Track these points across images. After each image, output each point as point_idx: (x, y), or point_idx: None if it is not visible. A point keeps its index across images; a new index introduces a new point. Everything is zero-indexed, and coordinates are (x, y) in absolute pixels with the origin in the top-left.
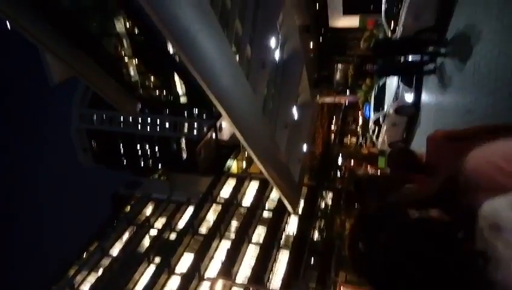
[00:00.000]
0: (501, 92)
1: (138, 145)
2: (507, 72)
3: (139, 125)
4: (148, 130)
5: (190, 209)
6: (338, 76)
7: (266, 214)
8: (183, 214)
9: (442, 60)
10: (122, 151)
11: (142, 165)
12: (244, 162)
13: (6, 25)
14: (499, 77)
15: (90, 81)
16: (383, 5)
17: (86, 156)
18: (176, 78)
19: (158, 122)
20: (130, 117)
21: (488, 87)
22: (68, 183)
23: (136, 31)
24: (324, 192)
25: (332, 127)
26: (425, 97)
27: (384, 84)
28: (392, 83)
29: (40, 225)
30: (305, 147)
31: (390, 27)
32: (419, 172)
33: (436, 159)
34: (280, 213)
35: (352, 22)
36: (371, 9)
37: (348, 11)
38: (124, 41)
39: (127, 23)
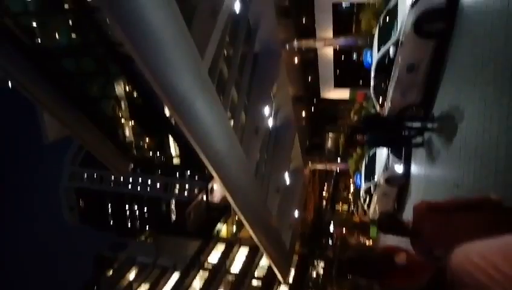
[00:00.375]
0: (487, 169)
1: (127, 206)
2: (491, 149)
3: (130, 185)
4: (139, 190)
5: (176, 275)
6: (329, 144)
7: (255, 282)
8: (168, 280)
9: (430, 135)
10: (109, 211)
11: (129, 226)
12: (234, 226)
13: (8, 84)
14: (484, 153)
15: (84, 140)
16: (371, 82)
17: (72, 215)
18: (171, 140)
19: (149, 183)
20: (121, 177)
21: (475, 163)
22: (51, 241)
23: (135, 94)
24: (316, 261)
25: (324, 193)
26: (414, 169)
27: (374, 154)
28: (382, 153)
29: (20, 285)
30: (296, 213)
31: (379, 102)
32: (406, 235)
33: (420, 226)
34: (270, 282)
35: (342, 94)
36: (360, 84)
37: (338, 84)
38: (122, 103)
39: (127, 87)
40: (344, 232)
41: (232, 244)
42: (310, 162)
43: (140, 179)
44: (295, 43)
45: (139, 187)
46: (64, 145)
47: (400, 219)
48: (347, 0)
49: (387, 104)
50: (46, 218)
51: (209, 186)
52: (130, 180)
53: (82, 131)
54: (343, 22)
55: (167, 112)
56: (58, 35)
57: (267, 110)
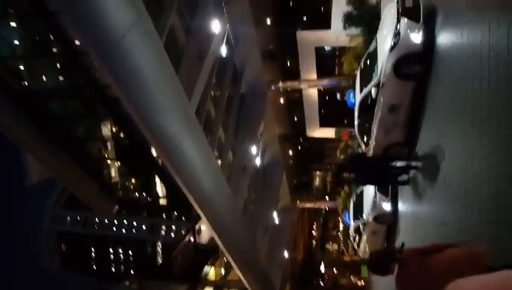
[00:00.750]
0: (472, 206)
1: (111, 249)
2: (475, 188)
3: (114, 227)
4: (124, 232)
5: None
6: (317, 182)
7: None
8: None
9: (415, 173)
10: (93, 255)
11: (113, 270)
12: (222, 269)
13: None
14: (469, 191)
15: (68, 182)
16: (355, 121)
17: (53, 260)
18: (157, 180)
19: (134, 224)
20: (106, 219)
21: (460, 201)
22: (29, 288)
23: (122, 135)
24: None
25: (314, 232)
26: (402, 206)
27: (361, 192)
28: (369, 191)
29: None
30: (286, 253)
31: (364, 140)
32: (395, 261)
33: (408, 259)
34: None
35: (328, 133)
36: (345, 122)
37: (324, 123)
38: (108, 144)
39: (113, 128)
40: (335, 272)
41: (220, 287)
42: (298, 201)
43: (125, 220)
44: (280, 84)
45: (124, 229)
46: (48, 186)
47: (391, 250)
48: (329, 44)
49: (372, 143)
50: (25, 262)
51: (197, 227)
52: (115, 222)
53: (66, 173)
54: (326, 64)
55: (154, 152)
56: (45, 78)
57: (254, 149)
